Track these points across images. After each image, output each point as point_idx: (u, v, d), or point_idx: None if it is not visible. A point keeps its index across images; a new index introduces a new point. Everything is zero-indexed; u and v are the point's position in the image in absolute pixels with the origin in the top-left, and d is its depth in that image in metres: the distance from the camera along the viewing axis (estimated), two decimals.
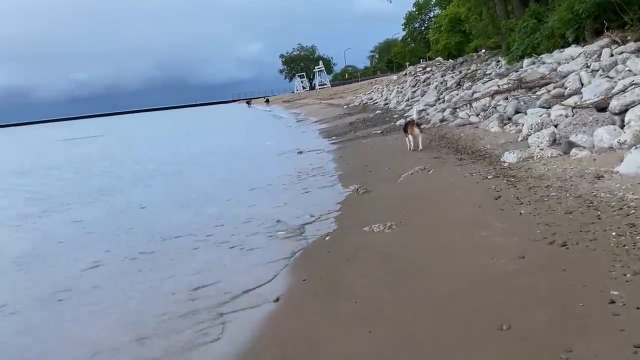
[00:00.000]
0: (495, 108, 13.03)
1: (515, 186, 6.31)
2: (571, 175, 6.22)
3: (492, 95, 13.78)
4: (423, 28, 76.92)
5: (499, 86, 14.28)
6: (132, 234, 7.98)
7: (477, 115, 13.57)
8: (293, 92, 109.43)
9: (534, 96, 12.01)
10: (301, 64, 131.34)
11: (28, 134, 65.78)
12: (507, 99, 13.45)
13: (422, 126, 15.25)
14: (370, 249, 5.22)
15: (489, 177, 7.08)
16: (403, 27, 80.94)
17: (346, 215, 7.14)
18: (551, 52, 16.76)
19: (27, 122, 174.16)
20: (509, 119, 11.82)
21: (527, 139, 9.25)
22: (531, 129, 9.51)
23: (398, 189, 7.96)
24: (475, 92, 16.92)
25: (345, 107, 35.92)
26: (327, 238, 6.04)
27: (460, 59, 35.32)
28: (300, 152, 15.59)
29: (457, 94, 18.94)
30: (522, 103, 11.80)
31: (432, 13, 73.51)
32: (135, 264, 6.18)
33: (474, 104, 14.13)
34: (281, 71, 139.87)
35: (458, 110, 14.99)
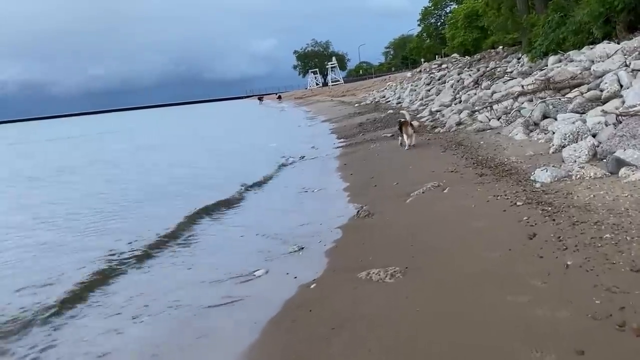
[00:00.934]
0: (519, 111, 11.60)
1: (554, 220, 4.94)
2: (627, 207, 4.84)
3: (516, 96, 12.34)
4: (439, 24, 74.95)
5: (522, 86, 12.84)
6: None
7: (499, 119, 12.16)
8: (307, 88, 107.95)
9: (565, 99, 10.58)
10: (315, 59, 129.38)
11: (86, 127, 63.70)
12: (531, 101, 12.04)
13: (430, 126, 14.11)
14: (364, 312, 3.90)
15: (518, 203, 5.72)
16: (418, 22, 79.00)
17: (342, 248, 5.82)
18: (579, 49, 15.28)
19: (44, 116, 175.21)
20: (536, 124, 10.41)
21: (560, 151, 7.87)
22: (564, 139, 8.13)
23: (406, 213, 6.62)
24: (495, 92, 15.52)
25: (356, 105, 34.55)
26: (312, 286, 4.72)
27: (477, 56, 33.76)
28: (302, 157, 14.32)
29: (475, 94, 17.54)
30: (550, 107, 10.36)
31: (448, 8, 71.43)
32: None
33: (495, 107, 12.70)
34: (295, 67, 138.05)
35: (477, 112, 13.57)
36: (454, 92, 20.94)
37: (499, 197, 6.14)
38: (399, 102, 28.18)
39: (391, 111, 23.82)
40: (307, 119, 32.95)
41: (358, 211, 7.08)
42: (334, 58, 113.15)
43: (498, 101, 13.01)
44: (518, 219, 5.18)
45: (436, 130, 13.86)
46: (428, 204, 6.74)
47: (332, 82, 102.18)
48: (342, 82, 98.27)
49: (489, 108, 12.83)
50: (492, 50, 34.17)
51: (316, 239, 6.29)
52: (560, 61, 15.12)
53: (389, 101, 31.38)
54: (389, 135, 14.89)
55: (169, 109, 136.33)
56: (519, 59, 22.41)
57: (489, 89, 16.84)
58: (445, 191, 7.10)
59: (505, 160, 8.22)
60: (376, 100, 35.29)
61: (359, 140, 15.79)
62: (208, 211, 8.58)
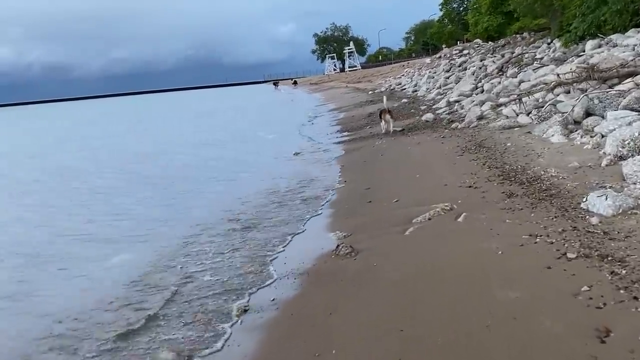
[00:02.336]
0: (555, 106, 9.48)
1: (636, 298, 2.98)
2: None
3: (552, 88, 10.24)
4: (461, 9, 71.97)
5: (558, 75, 10.70)
6: None
7: (529, 115, 10.04)
8: (324, 74, 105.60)
9: (614, 91, 8.46)
10: (334, 44, 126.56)
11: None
12: (569, 92, 9.93)
13: (446, 119, 12.06)
14: None
15: (569, 254, 3.74)
16: (440, 7, 76.07)
17: (295, 321, 3.86)
18: (623, 32, 13.08)
19: (68, 98, 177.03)
20: (577, 123, 8.33)
21: (617, 162, 5.85)
22: (622, 147, 6.08)
23: (402, 257, 4.65)
24: (523, 82, 13.39)
25: (370, 92, 32.41)
26: None
27: (501, 42, 31.28)
28: (297, 154, 12.41)
29: (499, 83, 15.38)
30: (595, 101, 8.28)
31: None
32: None
33: (524, 99, 10.60)
34: (314, 51, 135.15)
35: (502, 105, 11.48)
36: (475, 80, 18.75)
37: (538, 238, 4.17)
38: (415, 91, 25.99)
39: (405, 100, 21.73)
40: (316, 106, 30.89)
41: (338, 246, 5.14)
42: (351, 43, 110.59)
43: (529, 92, 10.89)
44: (573, 291, 3.22)
45: (453, 125, 11.79)
46: (434, 241, 4.76)
47: (349, 67, 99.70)
48: (360, 67, 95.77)
49: (517, 101, 10.72)
50: (518, 36, 31.66)
51: (271, 292, 4.39)
52: (600, 46, 12.96)
53: (405, 89, 29.20)
54: (398, 129, 12.87)
55: (191, 92, 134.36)
56: (549, 43, 20.09)
57: (516, 77, 14.69)
58: (459, 219, 5.14)
59: (542, 173, 6.19)
60: (392, 87, 33.12)
61: (365, 134, 13.79)
62: None
